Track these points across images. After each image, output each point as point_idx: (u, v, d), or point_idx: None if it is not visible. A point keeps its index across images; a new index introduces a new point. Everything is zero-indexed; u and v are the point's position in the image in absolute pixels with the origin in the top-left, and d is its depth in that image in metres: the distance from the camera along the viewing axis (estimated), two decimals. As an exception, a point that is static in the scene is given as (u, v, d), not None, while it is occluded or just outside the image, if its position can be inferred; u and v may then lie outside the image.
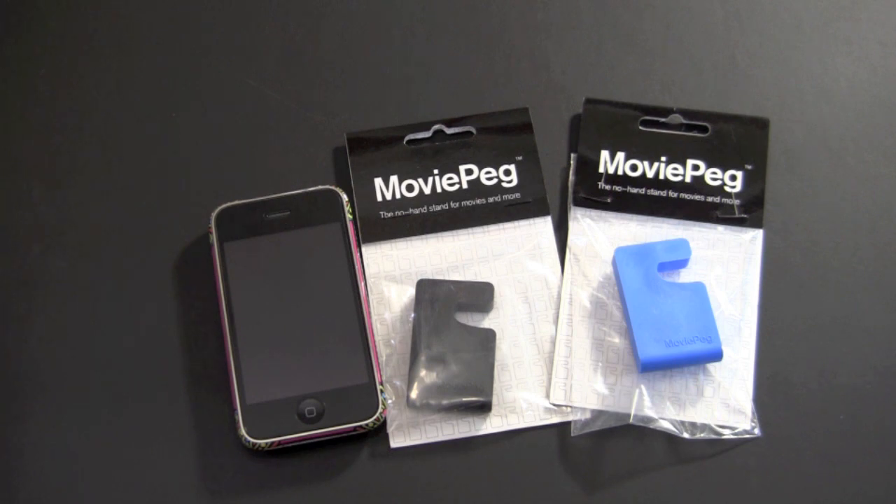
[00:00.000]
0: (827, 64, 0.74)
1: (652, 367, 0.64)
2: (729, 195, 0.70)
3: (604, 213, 0.69)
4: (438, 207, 0.70)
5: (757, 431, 0.65)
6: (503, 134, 0.71)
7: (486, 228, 0.69)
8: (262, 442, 0.63)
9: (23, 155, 0.72)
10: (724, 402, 0.65)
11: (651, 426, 0.65)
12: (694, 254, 0.68)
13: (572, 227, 0.69)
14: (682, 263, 0.67)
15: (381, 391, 0.64)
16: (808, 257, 0.69)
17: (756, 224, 0.69)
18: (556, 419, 0.65)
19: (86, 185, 0.71)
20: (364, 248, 0.69)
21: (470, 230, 0.69)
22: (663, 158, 0.70)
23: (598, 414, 0.65)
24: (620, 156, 0.70)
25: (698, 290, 0.65)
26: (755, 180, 0.70)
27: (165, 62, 0.74)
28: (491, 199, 0.70)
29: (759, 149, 0.71)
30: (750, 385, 0.66)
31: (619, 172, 0.70)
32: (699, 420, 0.65)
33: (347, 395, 0.64)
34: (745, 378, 0.66)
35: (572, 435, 0.65)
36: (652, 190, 0.70)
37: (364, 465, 0.65)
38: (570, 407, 0.65)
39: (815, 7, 0.75)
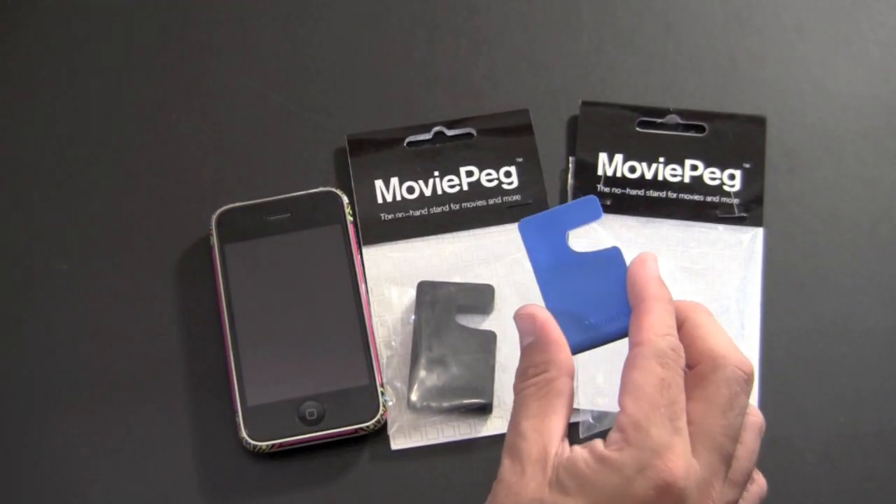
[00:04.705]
0: (827, 64, 0.74)
1: (581, 352, 0.58)
2: (728, 194, 0.70)
3: (604, 216, 0.69)
4: (439, 209, 0.70)
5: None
6: (504, 136, 0.71)
7: (486, 230, 0.69)
8: (262, 444, 0.64)
9: (23, 155, 0.72)
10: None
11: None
12: (695, 253, 0.68)
13: (573, 228, 0.69)
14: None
15: (382, 393, 0.65)
16: (808, 257, 0.69)
17: (756, 223, 0.69)
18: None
19: (86, 186, 0.71)
20: (364, 250, 0.69)
21: (470, 232, 0.69)
22: (661, 159, 0.70)
23: (603, 415, 0.65)
24: (619, 157, 0.70)
25: (613, 257, 0.57)
26: (754, 179, 0.70)
27: (165, 63, 0.74)
28: (491, 201, 0.70)
29: (757, 147, 0.71)
30: (755, 384, 0.66)
31: (618, 174, 0.70)
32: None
33: (348, 397, 0.64)
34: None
35: (581, 437, 0.64)
36: (651, 191, 0.70)
37: (365, 466, 0.65)
38: (576, 409, 0.65)
39: (815, 7, 0.75)
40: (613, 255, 0.57)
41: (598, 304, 0.56)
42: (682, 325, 0.54)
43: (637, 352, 0.52)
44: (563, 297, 0.57)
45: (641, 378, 0.51)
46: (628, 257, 0.56)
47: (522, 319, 0.56)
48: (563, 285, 0.57)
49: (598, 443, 0.51)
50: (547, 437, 0.52)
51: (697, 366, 0.53)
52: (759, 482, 0.55)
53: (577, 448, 0.52)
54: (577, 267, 0.57)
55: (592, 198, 0.57)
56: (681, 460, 0.49)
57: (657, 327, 0.52)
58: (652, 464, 0.49)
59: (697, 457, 0.50)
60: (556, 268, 0.57)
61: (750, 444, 0.53)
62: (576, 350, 0.56)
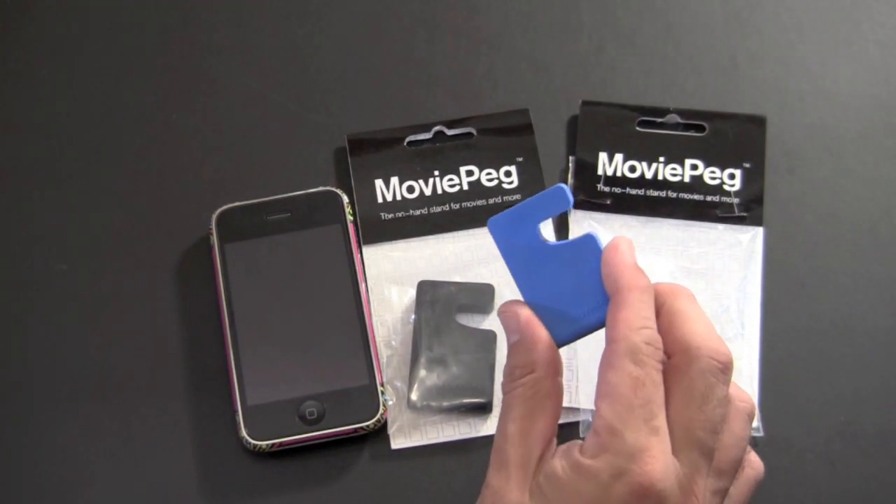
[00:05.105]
0: (827, 64, 0.74)
1: (567, 344, 0.57)
2: (728, 194, 0.70)
3: (604, 215, 0.69)
4: (439, 209, 0.70)
5: (760, 431, 0.65)
6: (504, 135, 0.71)
7: (486, 230, 0.69)
8: (262, 443, 0.64)
9: (23, 155, 0.72)
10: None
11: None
12: (695, 252, 0.68)
13: (573, 229, 0.69)
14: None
15: (382, 392, 0.65)
16: (808, 257, 0.69)
17: (756, 222, 0.69)
18: (561, 420, 0.65)
19: (86, 186, 0.71)
20: (364, 250, 0.69)
21: (470, 231, 0.69)
22: (661, 159, 0.70)
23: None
24: (619, 157, 0.70)
25: (588, 243, 0.54)
26: (754, 178, 0.70)
27: (165, 63, 0.74)
28: (492, 201, 0.70)
29: (757, 147, 0.71)
30: (756, 383, 0.66)
31: (618, 174, 0.70)
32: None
33: (348, 396, 0.64)
34: (752, 377, 0.66)
35: (581, 436, 0.64)
36: (651, 190, 0.70)
37: (365, 466, 0.65)
38: (577, 408, 0.65)
39: (815, 7, 0.75)
40: (587, 241, 0.54)
41: (579, 296, 0.54)
42: (659, 312, 0.53)
43: (611, 349, 0.51)
44: (542, 291, 0.55)
45: (616, 378, 0.50)
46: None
47: (507, 317, 0.55)
48: (541, 280, 0.55)
49: (576, 449, 0.50)
50: (533, 440, 0.52)
51: (673, 357, 0.52)
52: (755, 464, 0.54)
53: (558, 454, 0.51)
54: (553, 259, 0.54)
55: (560, 186, 0.54)
56: (658, 462, 0.49)
57: (632, 321, 0.51)
58: (628, 469, 0.49)
59: (677, 454, 0.50)
60: (531, 263, 0.55)
61: (738, 431, 0.52)
62: (560, 344, 0.55)
